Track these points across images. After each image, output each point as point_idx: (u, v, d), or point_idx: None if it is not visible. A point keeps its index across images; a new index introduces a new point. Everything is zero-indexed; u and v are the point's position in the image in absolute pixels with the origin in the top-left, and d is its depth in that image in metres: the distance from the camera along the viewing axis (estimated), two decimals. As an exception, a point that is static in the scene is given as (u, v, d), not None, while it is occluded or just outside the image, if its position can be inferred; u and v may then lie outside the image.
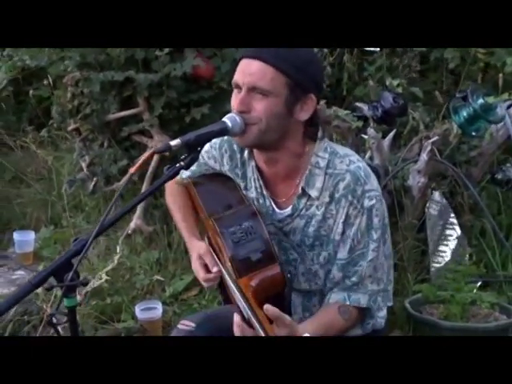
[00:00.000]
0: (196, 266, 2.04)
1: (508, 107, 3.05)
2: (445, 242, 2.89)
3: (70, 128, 3.56)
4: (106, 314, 2.87)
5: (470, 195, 2.96)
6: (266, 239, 1.85)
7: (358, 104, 3.23)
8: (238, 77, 1.88)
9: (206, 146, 2.07)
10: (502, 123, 3.01)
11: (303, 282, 1.98)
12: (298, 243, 1.95)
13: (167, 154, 1.94)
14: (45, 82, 4.09)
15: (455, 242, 2.89)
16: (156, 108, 3.18)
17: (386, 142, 2.90)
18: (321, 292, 1.97)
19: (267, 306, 1.66)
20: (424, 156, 2.75)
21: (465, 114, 2.80)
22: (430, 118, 3.06)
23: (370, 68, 3.41)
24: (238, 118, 1.90)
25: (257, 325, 1.62)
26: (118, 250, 3.14)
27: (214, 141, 2.07)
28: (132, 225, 3.31)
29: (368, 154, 2.92)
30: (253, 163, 1.99)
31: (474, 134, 2.88)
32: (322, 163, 1.89)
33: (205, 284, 2.03)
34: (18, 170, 4.44)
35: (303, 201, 1.92)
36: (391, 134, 2.92)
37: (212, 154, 2.08)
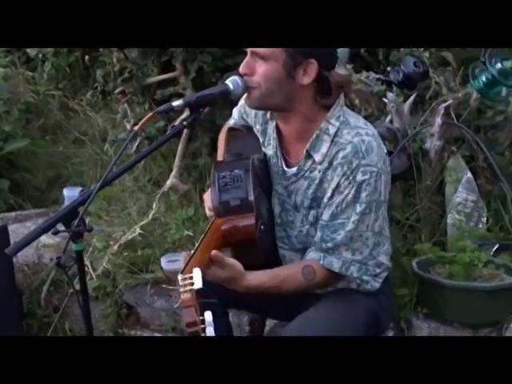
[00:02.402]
0: (206, 195, 2.22)
1: (535, 72, 3.04)
2: (462, 205, 2.93)
3: (116, 91, 3.76)
4: (136, 264, 3.09)
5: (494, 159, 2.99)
6: (248, 190, 1.99)
7: (388, 68, 3.28)
8: None
9: (241, 100, 2.21)
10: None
11: (297, 244, 2.11)
12: (298, 204, 2.07)
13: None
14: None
15: (473, 205, 2.92)
16: (191, 72, 3.34)
17: (406, 105, 2.95)
18: None
19: (214, 252, 1.82)
20: (438, 120, 2.80)
21: (484, 78, 2.82)
22: (455, 83, 3.08)
23: (403, 33, 3.42)
24: (239, 81, 2.04)
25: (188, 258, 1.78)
26: (153, 207, 3.35)
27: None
28: (168, 183, 3.50)
29: (389, 118, 2.99)
30: (274, 122, 2.12)
31: (494, 98, 2.89)
32: (332, 130, 1.99)
33: (208, 213, 2.20)
34: (79, 131, 4.71)
35: (308, 163, 2.04)
36: (411, 98, 2.97)
37: (245, 108, 2.25)
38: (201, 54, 3.30)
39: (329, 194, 1.98)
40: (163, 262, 2.98)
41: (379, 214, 1.98)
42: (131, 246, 3.16)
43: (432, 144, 2.86)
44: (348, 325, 1.92)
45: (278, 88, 1.98)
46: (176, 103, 2.06)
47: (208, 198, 2.22)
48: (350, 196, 1.94)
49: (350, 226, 1.95)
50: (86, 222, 3.41)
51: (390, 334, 2.52)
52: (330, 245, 1.98)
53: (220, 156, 2.32)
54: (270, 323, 2.72)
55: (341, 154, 1.96)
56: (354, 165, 1.93)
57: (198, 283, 1.68)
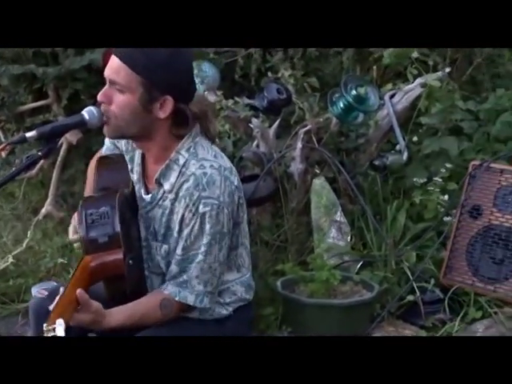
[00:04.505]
0: (70, 227, 2.20)
1: (391, 97, 3.23)
2: (328, 225, 3.06)
3: (-9, 119, 3.72)
4: (7, 295, 3.06)
5: (357, 180, 3.15)
6: (115, 226, 2.00)
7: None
8: (106, 70, 2.03)
9: None
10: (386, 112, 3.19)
11: (154, 268, 2.15)
12: (157, 231, 2.11)
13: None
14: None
15: (337, 224, 3.06)
16: (63, 99, 3.35)
17: (271, 130, 3.07)
18: None
19: (79, 291, 1.84)
20: (298, 144, 2.93)
21: (341, 104, 2.97)
22: (319, 108, 3.22)
23: (272, 59, 3.56)
24: (95, 112, 2.06)
25: (55, 302, 1.80)
26: (28, 235, 3.33)
27: None
28: (43, 211, 3.48)
29: (255, 142, 3.10)
30: (140, 150, 2.15)
31: (351, 123, 3.05)
32: (181, 161, 2.03)
33: (75, 245, 2.20)
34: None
35: (161, 191, 2.08)
36: (276, 123, 3.09)
37: None
38: (72, 82, 3.32)
39: (177, 227, 2.03)
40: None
41: (223, 245, 2.03)
42: (3, 276, 3.13)
43: (295, 167, 2.98)
44: None
45: (134, 120, 2.01)
46: (29, 134, 2.05)
47: (71, 230, 2.23)
48: (196, 228, 1.99)
49: (199, 258, 2.00)
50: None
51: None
52: (184, 277, 2.02)
53: (88, 187, 2.33)
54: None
55: (185, 186, 2.00)
56: (195, 197, 1.97)
57: (60, 333, 1.69)
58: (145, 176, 2.16)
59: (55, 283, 3.00)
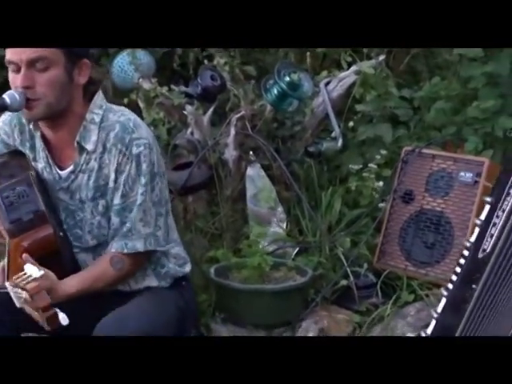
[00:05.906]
0: None
1: (326, 84, 3.24)
2: (265, 211, 3.05)
3: None
4: None
5: (292, 167, 3.16)
6: (38, 201, 1.99)
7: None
8: (13, 55, 1.99)
9: None
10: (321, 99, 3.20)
11: (91, 240, 2.11)
12: (84, 199, 2.07)
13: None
14: None
15: (274, 211, 3.06)
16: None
17: (206, 117, 3.05)
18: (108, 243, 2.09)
19: (25, 255, 1.85)
20: (232, 130, 2.92)
21: (275, 91, 2.97)
22: (254, 95, 3.22)
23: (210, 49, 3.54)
24: (17, 95, 2.02)
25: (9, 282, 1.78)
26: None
27: (4, 117, 2.19)
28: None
29: (189, 130, 3.07)
30: (39, 133, 2.10)
31: (285, 110, 3.05)
32: (97, 119, 2.03)
33: None
34: None
35: (83, 156, 2.05)
36: (210, 111, 3.07)
37: (4, 130, 2.19)
38: (1, 70, 3.24)
39: (113, 176, 2.02)
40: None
41: (155, 185, 2.04)
42: None
43: (229, 154, 2.97)
44: (162, 320, 1.98)
45: (62, 92, 2.00)
46: None
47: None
48: (133, 171, 2.00)
49: (139, 200, 2.00)
50: None
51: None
52: (128, 225, 2.01)
53: None
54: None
55: (112, 134, 2.01)
56: (127, 140, 1.99)
57: (36, 272, 1.74)
58: (54, 157, 2.11)
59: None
